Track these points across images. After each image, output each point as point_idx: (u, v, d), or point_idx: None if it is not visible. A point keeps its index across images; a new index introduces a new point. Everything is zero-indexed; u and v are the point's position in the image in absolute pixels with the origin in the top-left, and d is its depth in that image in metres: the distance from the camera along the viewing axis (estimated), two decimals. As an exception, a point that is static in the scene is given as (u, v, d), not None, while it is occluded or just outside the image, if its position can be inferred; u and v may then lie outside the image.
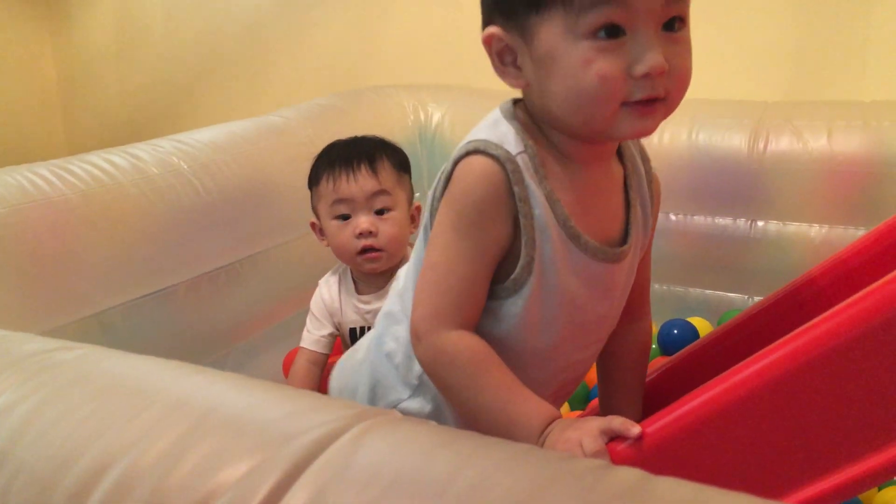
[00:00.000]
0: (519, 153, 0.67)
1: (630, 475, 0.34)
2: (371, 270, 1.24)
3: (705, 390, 0.63)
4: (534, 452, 0.38)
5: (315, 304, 1.30)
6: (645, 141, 1.64)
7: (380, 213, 1.20)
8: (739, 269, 1.58)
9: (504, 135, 0.69)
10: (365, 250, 1.20)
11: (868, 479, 0.62)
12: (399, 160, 1.24)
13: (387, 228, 1.20)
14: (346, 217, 1.21)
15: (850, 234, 1.47)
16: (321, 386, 1.30)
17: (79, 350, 0.55)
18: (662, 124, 1.83)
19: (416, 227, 1.26)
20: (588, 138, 0.69)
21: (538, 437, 0.64)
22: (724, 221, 1.59)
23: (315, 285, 1.33)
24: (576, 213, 0.69)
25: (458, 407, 0.70)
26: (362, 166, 1.20)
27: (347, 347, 1.31)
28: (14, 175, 1.14)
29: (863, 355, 0.60)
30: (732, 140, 1.55)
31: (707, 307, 1.59)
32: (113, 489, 0.39)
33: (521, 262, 0.68)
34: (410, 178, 1.28)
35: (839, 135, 1.48)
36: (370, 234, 1.19)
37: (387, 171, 1.21)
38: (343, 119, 1.67)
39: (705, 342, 0.93)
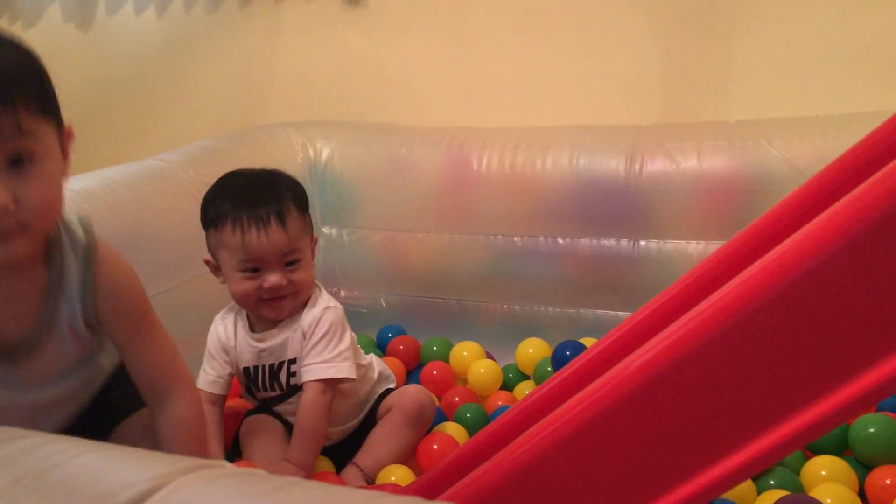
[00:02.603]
0: None
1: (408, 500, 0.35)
2: (272, 317, 1.22)
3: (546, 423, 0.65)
4: (339, 495, 0.38)
5: (211, 341, 1.27)
6: (528, 167, 1.69)
7: (290, 264, 1.18)
8: (626, 288, 1.63)
9: None
10: (270, 299, 1.19)
11: (723, 483, 0.64)
12: (300, 199, 1.22)
13: (297, 277, 1.19)
14: (254, 270, 1.18)
15: (725, 249, 1.53)
16: (224, 426, 1.28)
17: None
18: (544, 151, 1.89)
19: (314, 257, 1.25)
20: None
21: None
22: (608, 242, 1.64)
23: (203, 332, 1.30)
24: None
25: None
26: (272, 221, 1.15)
27: (243, 386, 1.29)
28: None
29: (704, 365, 0.63)
30: (610, 163, 1.60)
31: (598, 327, 1.63)
32: None
33: None
34: (307, 209, 1.26)
35: (708, 154, 1.55)
36: (282, 286, 1.18)
37: (294, 222, 1.18)
38: (229, 159, 1.65)
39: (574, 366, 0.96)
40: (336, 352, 1.20)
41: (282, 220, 1.16)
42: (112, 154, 1.95)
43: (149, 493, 0.39)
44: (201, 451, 0.92)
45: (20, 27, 2.33)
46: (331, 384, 1.20)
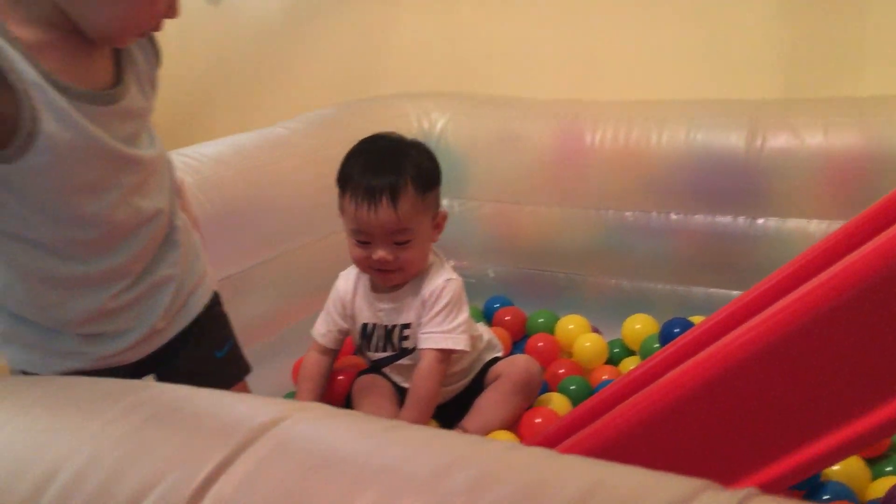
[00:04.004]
0: None
1: (535, 451, 0.37)
2: (382, 284, 1.27)
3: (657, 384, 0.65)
4: (443, 437, 0.40)
5: (331, 296, 1.33)
6: (643, 141, 1.66)
7: (400, 242, 1.20)
8: (740, 267, 1.59)
9: None
10: (379, 269, 1.23)
11: (830, 456, 0.63)
12: (424, 178, 1.21)
13: (405, 255, 1.21)
14: (365, 241, 1.21)
15: (848, 229, 1.47)
16: (330, 381, 1.35)
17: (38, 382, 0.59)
18: (659, 126, 1.85)
19: (440, 232, 1.27)
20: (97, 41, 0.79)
21: None
22: (724, 219, 1.60)
23: (320, 292, 1.36)
24: (56, 66, 0.76)
25: None
26: (383, 199, 1.16)
27: (357, 344, 1.34)
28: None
29: (814, 340, 0.62)
30: (730, 139, 1.56)
31: (709, 305, 1.58)
32: (64, 486, 0.42)
33: (26, 112, 0.73)
34: (439, 187, 1.26)
35: (835, 131, 1.49)
36: (388, 261, 1.20)
37: (409, 202, 1.18)
38: (346, 129, 1.71)
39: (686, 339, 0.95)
40: (455, 323, 1.23)
41: (394, 199, 1.17)
42: (238, 121, 2.05)
43: (276, 422, 0.42)
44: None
45: None
46: (447, 354, 1.23)
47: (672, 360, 0.93)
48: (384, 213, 1.17)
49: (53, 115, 0.75)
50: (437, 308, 1.23)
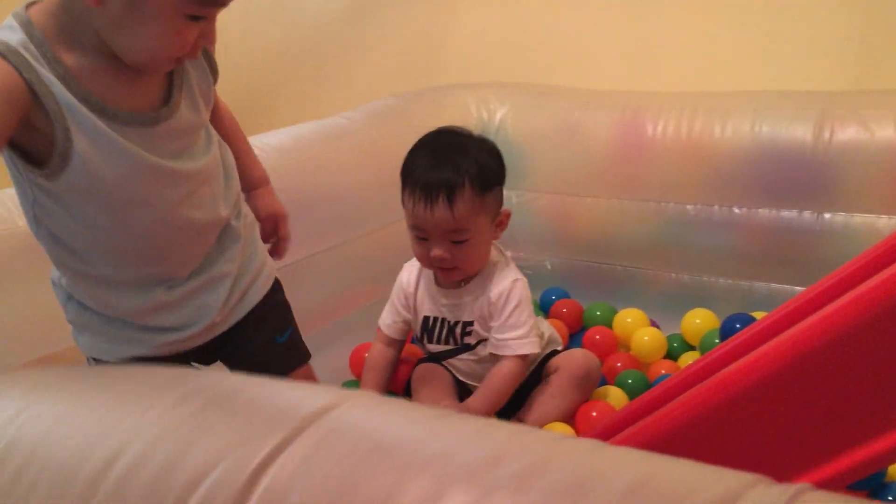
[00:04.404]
0: (19, 42, 0.75)
1: (586, 443, 0.37)
2: (442, 280, 1.27)
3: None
4: (494, 427, 0.41)
5: (395, 287, 1.34)
6: (706, 133, 1.62)
7: (456, 241, 1.19)
8: (806, 262, 1.55)
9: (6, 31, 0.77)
10: (438, 266, 1.23)
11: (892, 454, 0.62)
12: (485, 177, 1.19)
13: (462, 253, 1.20)
14: (423, 238, 1.21)
15: (920, 225, 1.42)
16: (396, 369, 1.37)
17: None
18: (723, 117, 1.81)
19: (503, 230, 1.27)
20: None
21: None
22: (789, 214, 1.56)
23: (377, 282, 1.38)
24: (99, 89, 0.78)
25: None
26: (440, 198, 1.16)
27: (417, 335, 1.36)
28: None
29: (879, 335, 0.60)
30: (796, 131, 1.52)
31: (772, 301, 1.55)
32: (127, 469, 0.44)
33: (59, 132, 0.76)
34: (503, 184, 1.26)
35: (908, 123, 1.44)
36: (445, 259, 1.20)
37: (466, 201, 1.17)
38: (406, 119, 1.72)
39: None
40: (527, 327, 1.23)
41: (450, 198, 1.16)
42: (300, 111, 2.08)
43: (328, 409, 0.43)
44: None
45: (222, -7, 2.51)
46: (526, 358, 1.24)
47: (733, 355, 0.92)
48: (440, 212, 1.16)
49: (87, 135, 0.78)
50: (507, 311, 1.23)
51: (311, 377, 1.11)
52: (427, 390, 1.30)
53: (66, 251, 0.86)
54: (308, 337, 1.12)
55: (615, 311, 1.63)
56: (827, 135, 1.49)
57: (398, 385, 1.39)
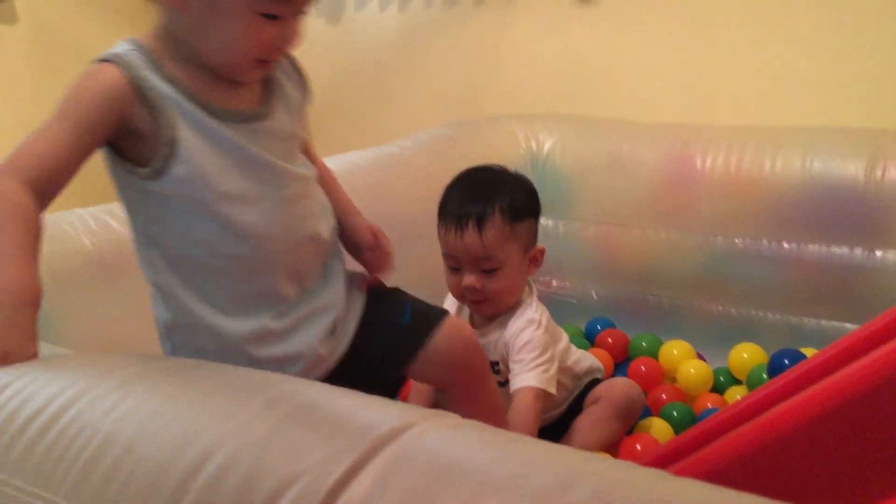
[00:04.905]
0: (129, 51, 0.81)
1: (655, 472, 0.39)
2: (477, 313, 1.29)
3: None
4: (565, 452, 0.43)
5: None
6: (756, 168, 1.61)
7: (488, 270, 1.21)
8: (856, 300, 1.54)
9: (120, 47, 0.82)
10: (471, 298, 1.25)
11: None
12: (516, 209, 1.22)
13: (493, 284, 1.22)
14: (455, 268, 1.24)
15: (975, 265, 1.41)
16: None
17: (195, 365, 0.64)
18: (774, 152, 1.81)
19: (537, 267, 1.28)
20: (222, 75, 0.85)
21: None
22: (840, 250, 1.56)
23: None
24: (201, 90, 0.83)
25: None
26: (469, 225, 1.19)
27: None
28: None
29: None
30: (848, 168, 1.52)
31: (821, 337, 1.55)
32: (215, 472, 0.47)
33: (164, 126, 0.80)
34: (536, 218, 1.28)
35: (964, 162, 1.43)
36: (476, 289, 1.22)
37: (496, 230, 1.19)
38: (456, 149, 1.75)
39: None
40: (533, 363, 1.21)
41: (480, 225, 1.19)
42: (354, 138, 2.13)
43: (403, 429, 0.46)
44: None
45: (278, 21, 2.59)
46: (540, 394, 1.21)
47: (785, 392, 0.92)
48: (470, 237, 1.20)
49: (191, 125, 0.82)
50: (516, 348, 1.22)
51: (456, 328, 1.03)
52: None
53: (173, 274, 0.86)
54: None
55: (661, 343, 1.63)
56: (879, 172, 1.49)
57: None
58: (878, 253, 1.51)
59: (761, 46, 1.82)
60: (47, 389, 0.59)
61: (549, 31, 2.09)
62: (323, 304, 0.95)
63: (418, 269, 1.66)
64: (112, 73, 0.79)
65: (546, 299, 1.55)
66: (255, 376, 0.59)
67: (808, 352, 1.45)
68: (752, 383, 1.45)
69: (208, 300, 0.87)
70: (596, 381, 1.36)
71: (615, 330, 1.70)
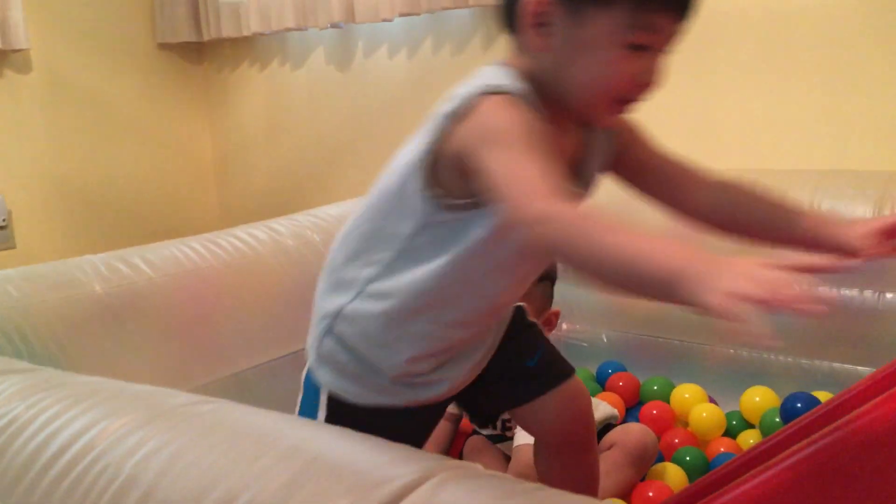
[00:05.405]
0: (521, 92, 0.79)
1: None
2: None
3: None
4: (582, 503, 0.42)
5: None
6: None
7: None
8: (867, 342, 1.53)
9: (506, 78, 0.81)
10: None
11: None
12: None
13: None
14: None
15: None
16: (455, 443, 1.39)
17: (214, 404, 0.65)
18: (783, 194, 1.82)
19: (551, 330, 1.29)
20: (571, 112, 0.82)
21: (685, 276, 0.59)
22: (850, 292, 1.55)
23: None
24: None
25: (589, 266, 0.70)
26: None
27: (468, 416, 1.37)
28: (169, 247, 1.30)
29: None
30: (856, 210, 1.52)
31: (833, 380, 1.54)
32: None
33: None
34: (551, 281, 1.30)
35: (972, 205, 1.43)
36: None
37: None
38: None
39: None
40: None
41: None
42: (364, 182, 2.14)
43: (423, 480, 0.46)
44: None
45: (289, 68, 2.63)
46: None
47: (799, 438, 0.91)
48: None
49: None
50: None
51: (577, 393, 1.04)
52: (480, 464, 1.31)
53: (394, 295, 0.85)
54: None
55: (672, 386, 1.62)
56: (887, 214, 1.49)
57: (453, 455, 1.40)
58: (889, 295, 1.51)
59: (768, 90, 1.83)
60: (73, 426, 0.59)
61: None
62: (484, 342, 0.96)
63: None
64: (529, 116, 0.76)
65: (556, 343, 1.54)
66: (276, 421, 0.59)
67: (821, 395, 1.44)
68: (766, 427, 1.44)
69: (400, 326, 0.86)
70: (609, 426, 1.36)
71: (626, 373, 1.70)
